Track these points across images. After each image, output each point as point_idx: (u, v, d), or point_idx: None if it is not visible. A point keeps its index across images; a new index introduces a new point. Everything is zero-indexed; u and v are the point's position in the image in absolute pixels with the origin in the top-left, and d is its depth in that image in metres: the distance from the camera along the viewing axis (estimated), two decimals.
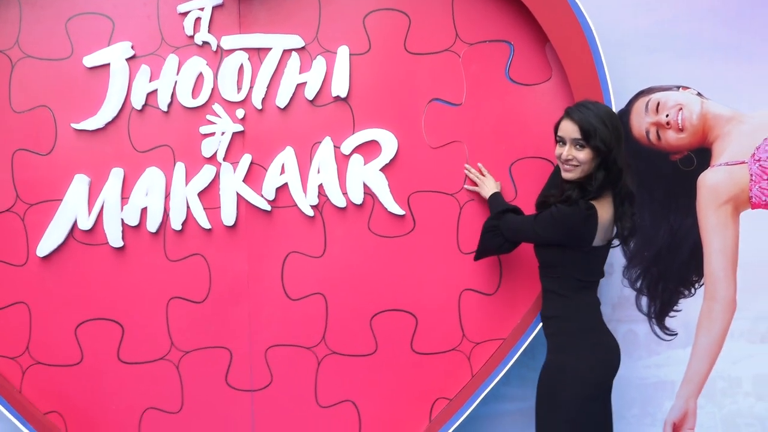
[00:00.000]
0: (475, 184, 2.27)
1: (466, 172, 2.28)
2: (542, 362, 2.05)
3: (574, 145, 1.86)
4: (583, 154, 1.86)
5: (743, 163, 2.55)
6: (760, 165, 2.51)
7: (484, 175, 2.27)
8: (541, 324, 2.11)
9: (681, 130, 2.53)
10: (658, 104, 2.55)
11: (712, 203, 2.58)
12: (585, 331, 2.04)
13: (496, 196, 2.20)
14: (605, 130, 1.85)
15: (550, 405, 1.99)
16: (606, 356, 2.03)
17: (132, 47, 2.25)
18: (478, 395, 2.27)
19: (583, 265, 1.98)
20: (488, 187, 2.23)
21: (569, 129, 1.86)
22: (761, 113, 2.56)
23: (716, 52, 2.54)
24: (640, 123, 2.54)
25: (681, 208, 2.62)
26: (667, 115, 2.54)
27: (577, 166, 1.87)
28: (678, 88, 2.57)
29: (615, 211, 1.95)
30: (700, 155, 2.59)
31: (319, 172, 2.27)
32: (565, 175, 1.90)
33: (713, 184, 2.57)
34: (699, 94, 2.55)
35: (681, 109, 2.52)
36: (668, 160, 2.58)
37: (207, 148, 2.25)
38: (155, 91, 2.25)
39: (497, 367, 2.29)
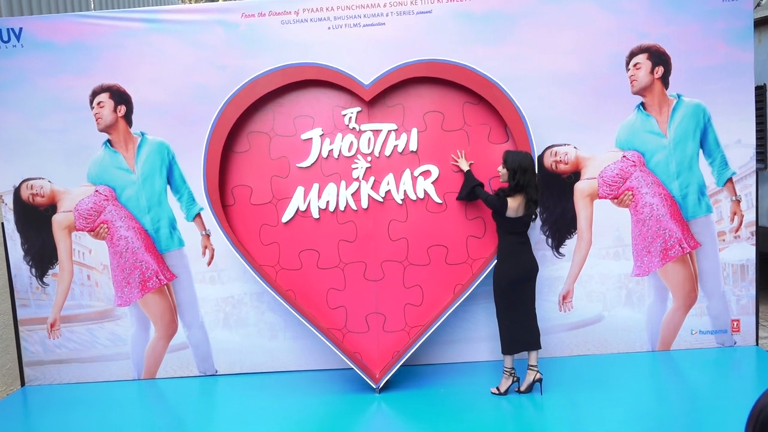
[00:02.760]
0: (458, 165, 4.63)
1: (453, 156, 4.69)
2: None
3: (503, 167, 4.28)
4: (504, 170, 4.28)
5: (595, 178, 4.88)
6: (602, 179, 4.90)
7: (459, 158, 4.61)
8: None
9: (566, 164, 4.84)
10: (557, 152, 4.82)
11: (581, 196, 4.83)
12: (508, 252, 4.19)
13: (469, 172, 4.52)
14: (512, 162, 4.16)
15: (494, 287, 4.29)
16: (516, 265, 4.13)
17: (322, 130, 4.78)
18: (475, 283, 4.58)
19: (508, 225, 4.23)
20: (463, 165, 4.58)
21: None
22: (601, 156, 4.81)
23: (579, 128, 4.79)
24: (549, 161, 4.79)
25: (567, 198, 4.83)
26: (559, 157, 4.90)
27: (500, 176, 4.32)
28: (565, 144, 4.83)
29: (525, 203, 4.21)
30: (576, 175, 4.89)
31: (403, 183, 4.76)
32: (501, 180, 4.38)
33: (582, 188, 4.84)
34: (575, 147, 4.87)
35: (567, 153, 4.80)
36: (561, 178, 4.85)
37: (355, 173, 4.79)
38: (332, 149, 4.79)
39: (482, 271, 4.60)
